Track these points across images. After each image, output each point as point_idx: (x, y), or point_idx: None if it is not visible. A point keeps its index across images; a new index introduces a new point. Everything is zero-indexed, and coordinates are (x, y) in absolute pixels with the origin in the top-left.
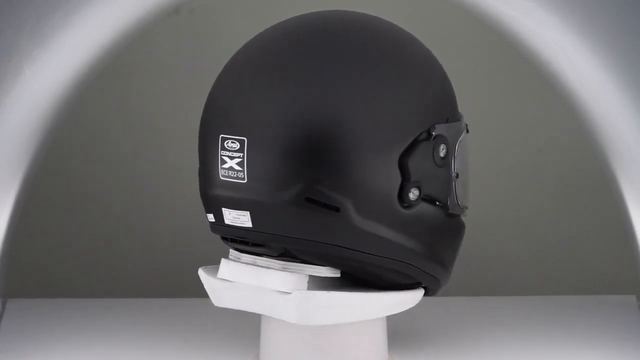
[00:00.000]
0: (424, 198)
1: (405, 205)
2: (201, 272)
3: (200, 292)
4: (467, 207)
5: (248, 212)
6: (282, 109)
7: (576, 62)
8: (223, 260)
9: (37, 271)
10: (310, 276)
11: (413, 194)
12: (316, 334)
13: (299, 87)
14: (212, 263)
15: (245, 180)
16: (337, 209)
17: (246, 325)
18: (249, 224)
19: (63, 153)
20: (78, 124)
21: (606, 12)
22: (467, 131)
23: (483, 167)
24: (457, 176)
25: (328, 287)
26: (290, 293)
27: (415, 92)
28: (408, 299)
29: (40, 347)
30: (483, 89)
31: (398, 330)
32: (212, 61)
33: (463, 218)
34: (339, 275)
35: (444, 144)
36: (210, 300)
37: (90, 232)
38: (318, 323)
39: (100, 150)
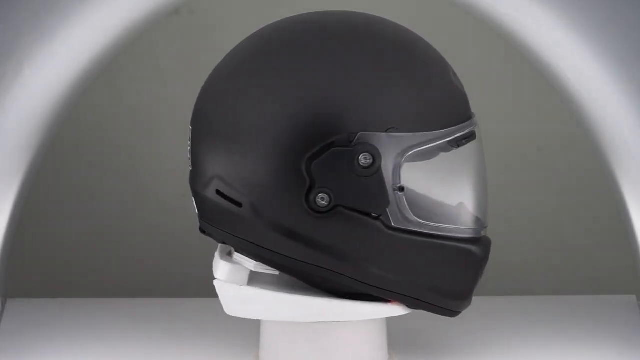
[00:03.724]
0: (349, 207)
1: (314, 210)
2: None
3: (200, 292)
4: (481, 226)
5: (194, 199)
6: (208, 103)
7: (576, 62)
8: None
9: (37, 271)
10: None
11: (322, 200)
12: (316, 334)
13: (223, 84)
14: (212, 263)
15: (191, 168)
16: (240, 205)
17: (246, 326)
18: (196, 211)
19: (63, 153)
20: (78, 123)
21: (606, 12)
22: (457, 146)
23: None
24: (402, 189)
25: (282, 286)
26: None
27: (335, 97)
28: (352, 310)
29: (40, 347)
30: (483, 89)
31: (398, 330)
32: (212, 61)
33: (467, 244)
34: (275, 273)
35: (369, 152)
36: (211, 301)
37: (91, 232)
38: (241, 315)
39: (100, 150)
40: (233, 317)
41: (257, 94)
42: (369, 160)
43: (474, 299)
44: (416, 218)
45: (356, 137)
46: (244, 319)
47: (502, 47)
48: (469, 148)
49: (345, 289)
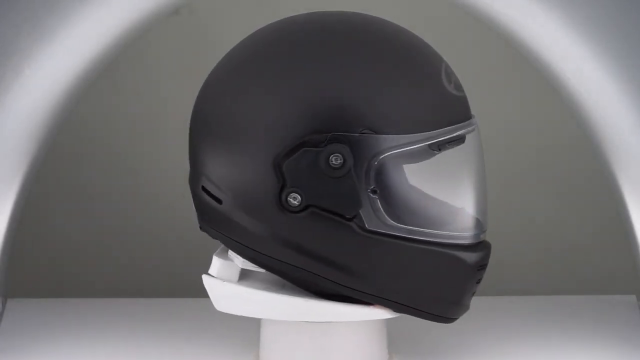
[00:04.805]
0: (322, 208)
1: (287, 210)
2: None
3: (200, 292)
4: (480, 229)
5: (192, 197)
6: (205, 103)
7: (576, 62)
8: None
9: (37, 271)
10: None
11: (293, 199)
12: (316, 334)
13: (220, 85)
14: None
15: (189, 166)
16: (220, 201)
17: (246, 326)
18: (194, 209)
19: (63, 153)
20: (78, 123)
21: (606, 12)
22: (440, 150)
23: None
24: (375, 192)
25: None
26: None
27: (310, 98)
28: (335, 312)
29: (40, 347)
30: (482, 89)
31: (398, 330)
32: (212, 61)
33: (457, 250)
34: (261, 271)
35: (339, 153)
36: (210, 301)
37: (90, 232)
38: (228, 311)
39: (100, 150)
40: (233, 317)
41: (255, 93)
42: (340, 161)
43: (474, 299)
44: (392, 221)
45: (328, 138)
46: (244, 318)
47: (501, 47)
48: (457, 151)
49: (327, 290)
